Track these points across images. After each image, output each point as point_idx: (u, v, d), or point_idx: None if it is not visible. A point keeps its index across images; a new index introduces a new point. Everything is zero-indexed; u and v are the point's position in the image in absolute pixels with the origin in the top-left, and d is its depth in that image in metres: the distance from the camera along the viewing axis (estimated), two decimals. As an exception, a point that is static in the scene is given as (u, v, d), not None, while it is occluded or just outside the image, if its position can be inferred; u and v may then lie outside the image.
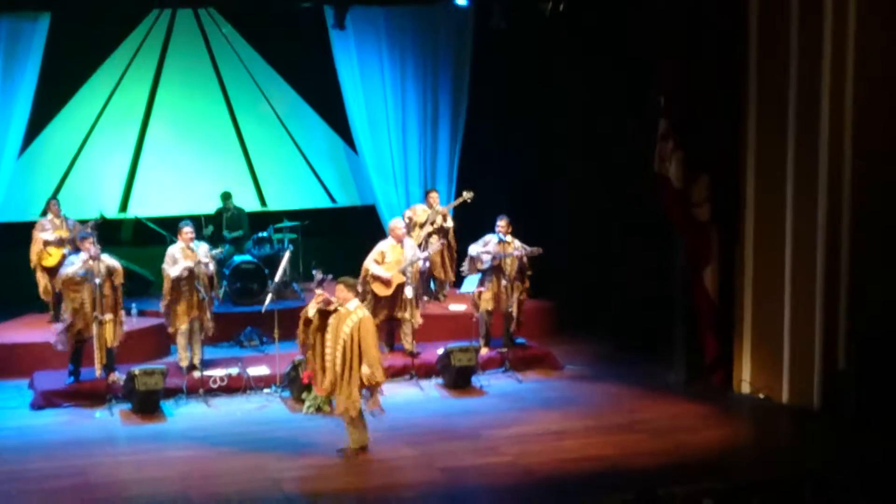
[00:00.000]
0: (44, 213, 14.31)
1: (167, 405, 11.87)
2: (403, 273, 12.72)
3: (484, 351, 13.20)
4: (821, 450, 10.71)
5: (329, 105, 16.20)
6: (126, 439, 11.05)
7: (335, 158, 16.76)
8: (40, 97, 14.47)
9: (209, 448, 10.67)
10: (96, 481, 9.85)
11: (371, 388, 10.23)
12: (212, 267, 12.45)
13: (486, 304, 13.17)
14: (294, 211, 16.02)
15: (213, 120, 16.26)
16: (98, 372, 11.98)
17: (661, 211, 12.62)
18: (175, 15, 15.85)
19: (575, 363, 13.69)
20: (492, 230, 13.06)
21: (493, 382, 12.84)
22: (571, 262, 15.16)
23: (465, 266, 13.43)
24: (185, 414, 11.76)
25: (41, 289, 13.80)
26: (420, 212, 14.80)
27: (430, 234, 14.54)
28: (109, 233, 14.78)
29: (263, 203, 16.55)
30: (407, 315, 12.89)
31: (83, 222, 13.96)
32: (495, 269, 13.02)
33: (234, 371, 12.48)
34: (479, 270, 13.08)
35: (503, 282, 13.03)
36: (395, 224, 13.14)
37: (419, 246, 13.80)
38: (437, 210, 14.73)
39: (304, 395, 11.73)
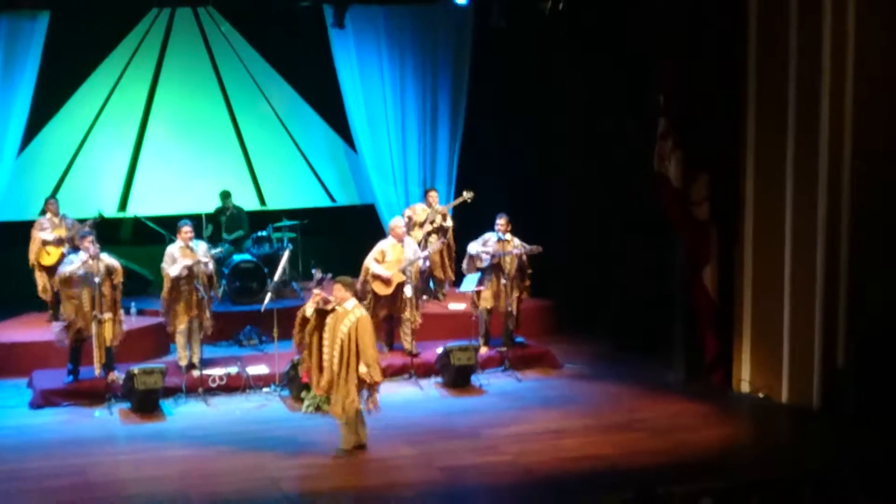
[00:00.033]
0: (42, 212, 14.26)
1: (166, 404, 11.86)
2: (403, 272, 12.72)
3: (483, 350, 13.18)
4: (820, 449, 10.71)
5: (328, 104, 16.18)
6: (125, 438, 11.03)
7: (334, 157, 16.75)
8: (39, 96, 14.44)
9: (208, 447, 10.66)
10: (95, 480, 9.84)
11: (370, 389, 10.23)
12: (211, 266, 12.45)
13: (486, 302, 13.16)
14: (293, 210, 16.00)
15: (212, 119, 16.25)
16: (97, 371, 11.96)
17: (660, 210, 12.61)
18: (174, 14, 15.84)
19: (574, 362, 13.68)
20: (491, 229, 13.04)
21: (493, 381, 12.83)
22: (571, 261, 15.15)
23: (465, 265, 13.43)
24: (184, 413, 11.75)
25: (40, 288, 13.79)
26: (420, 211, 14.80)
27: (429, 234, 14.55)
28: (108, 232, 14.78)
29: (263, 202, 16.53)
30: (406, 314, 12.89)
31: (82, 221, 13.96)
32: (495, 268, 13.01)
33: (233, 370, 12.48)
34: (478, 269, 13.06)
35: (503, 280, 13.01)
36: (396, 223, 13.13)
37: (418, 245, 13.79)
38: (436, 209, 14.73)
39: (303, 394, 11.72)
